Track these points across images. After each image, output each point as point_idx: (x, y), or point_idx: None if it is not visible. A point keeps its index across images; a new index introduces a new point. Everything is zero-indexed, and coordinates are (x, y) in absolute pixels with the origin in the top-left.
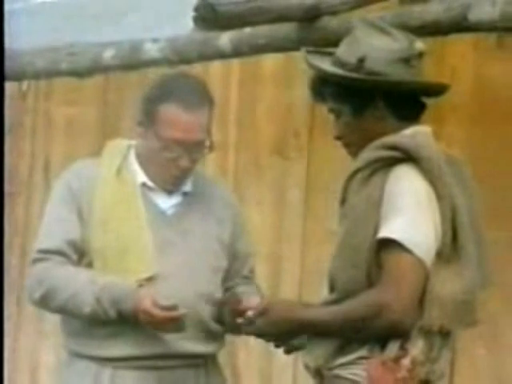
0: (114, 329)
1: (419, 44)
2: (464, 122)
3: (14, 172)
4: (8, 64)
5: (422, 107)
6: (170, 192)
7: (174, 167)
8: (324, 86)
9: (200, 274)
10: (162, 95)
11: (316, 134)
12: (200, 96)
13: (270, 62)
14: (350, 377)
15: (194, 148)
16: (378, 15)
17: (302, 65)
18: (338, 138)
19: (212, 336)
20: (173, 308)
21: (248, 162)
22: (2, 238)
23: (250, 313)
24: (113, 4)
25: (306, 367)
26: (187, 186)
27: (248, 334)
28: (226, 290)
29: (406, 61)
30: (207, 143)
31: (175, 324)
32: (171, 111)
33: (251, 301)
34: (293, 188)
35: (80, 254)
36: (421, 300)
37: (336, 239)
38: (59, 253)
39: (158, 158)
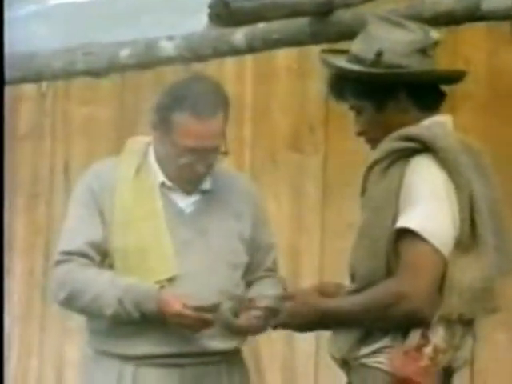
0: (137, 328)
1: (434, 33)
2: (478, 111)
3: (35, 173)
4: (26, 66)
5: (442, 96)
6: (188, 191)
7: (190, 172)
8: (343, 85)
9: (219, 272)
10: (175, 103)
11: (331, 128)
12: (213, 101)
13: (284, 56)
14: (376, 365)
15: (209, 154)
16: (390, 7)
17: (316, 59)
18: (360, 134)
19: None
20: (204, 308)
21: (264, 158)
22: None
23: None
24: (128, 3)
25: (333, 358)
26: (206, 184)
27: (272, 325)
28: (249, 283)
29: (423, 51)
30: (222, 148)
31: (205, 323)
32: (184, 120)
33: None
34: (309, 182)
35: (102, 255)
36: (440, 288)
37: (356, 229)
38: (82, 254)
39: (173, 162)
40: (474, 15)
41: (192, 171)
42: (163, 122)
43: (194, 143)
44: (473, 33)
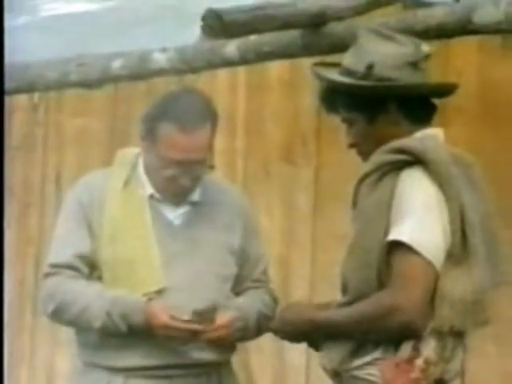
0: (126, 340)
1: (425, 46)
2: (470, 124)
3: (27, 183)
4: (18, 77)
5: (433, 109)
6: (176, 203)
7: (175, 184)
8: (335, 97)
9: (208, 284)
10: (161, 114)
11: (323, 140)
12: (200, 115)
13: (277, 68)
14: (367, 377)
15: (195, 167)
16: (382, 20)
17: (308, 71)
18: (352, 146)
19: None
20: (192, 320)
21: (256, 169)
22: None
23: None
24: (121, 15)
25: (324, 369)
26: (195, 196)
27: (267, 331)
28: (237, 294)
29: (414, 64)
30: (208, 162)
31: (192, 334)
32: (168, 132)
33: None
34: (301, 194)
35: (91, 268)
36: (432, 301)
37: (347, 242)
38: (70, 267)
39: (160, 174)
40: (466, 28)
41: (177, 184)
42: (150, 133)
43: (178, 155)
44: (464, 46)
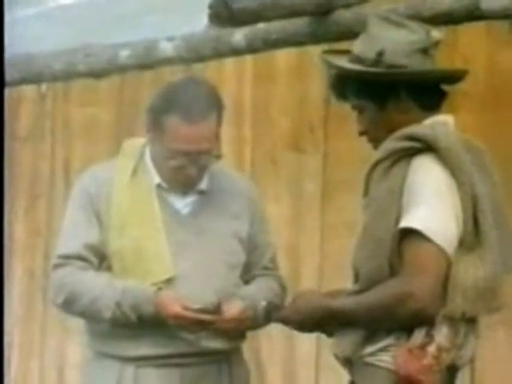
0: (137, 329)
1: (435, 33)
2: (477, 110)
3: (36, 174)
4: (26, 67)
5: (443, 95)
6: (184, 192)
7: (182, 174)
8: (345, 84)
9: (216, 272)
10: (167, 105)
11: (331, 127)
12: (206, 105)
13: (284, 57)
14: (379, 363)
15: (201, 157)
16: (390, 7)
17: (315, 59)
18: (363, 133)
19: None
20: (205, 310)
21: (264, 158)
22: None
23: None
24: (127, 5)
25: (336, 357)
26: (203, 185)
27: (275, 321)
28: (246, 282)
29: (424, 51)
30: (214, 151)
31: (204, 324)
32: (174, 123)
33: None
34: (309, 182)
35: (100, 258)
36: (444, 288)
37: (358, 229)
38: (79, 257)
39: (166, 164)
40: (473, 14)
41: (184, 174)
42: (155, 124)
43: (184, 146)
44: (472, 32)
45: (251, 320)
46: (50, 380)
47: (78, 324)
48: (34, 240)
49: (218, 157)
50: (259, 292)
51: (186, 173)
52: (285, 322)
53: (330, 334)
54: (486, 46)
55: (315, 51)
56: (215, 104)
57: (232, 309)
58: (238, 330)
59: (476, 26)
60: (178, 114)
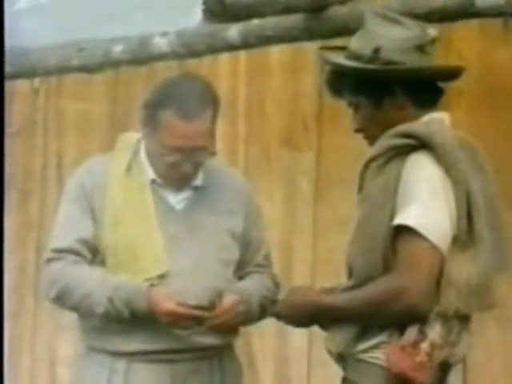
0: (128, 325)
1: (431, 30)
2: (471, 107)
3: (28, 169)
4: (19, 62)
5: (440, 92)
6: (179, 188)
7: (177, 171)
8: (341, 81)
9: (210, 269)
10: (162, 101)
11: (325, 124)
12: (201, 101)
13: (278, 52)
14: (372, 360)
15: (196, 153)
16: (384, 3)
17: (310, 55)
18: (358, 130)
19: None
20: (199, 306)
21: (258, 154)
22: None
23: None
24: (122, 0)
25: (329, 352)
26: (197, 181)
27: (269, 316)
28: (239, 279)
29: (421, 48)
30: (209, 148)
31: (197, 321)
32: (169, 119)
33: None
34: (303, 178)
35: (93, 252)
36: (438, 285)
37: (352, 225)
38: (72, 252)
39: (161, 160)
40: (467, 12)
41: (179, 170)
42: (150, 120)
43: (179, 143)
44: (466, 29)
45: (244, 315)
46: (41, 376)
47: (69, 319)
48: (26, 234)
49: (213, 154)
50: (252, 287)
51: (180, 169)
52: (278, 316)
53: (324, 328)
54: (480, 44)
55: (310, 47)
56: (211, 101)
57: (225, 302)
58: (230, 325)
59: (470, 24)
60: (174, 110)
